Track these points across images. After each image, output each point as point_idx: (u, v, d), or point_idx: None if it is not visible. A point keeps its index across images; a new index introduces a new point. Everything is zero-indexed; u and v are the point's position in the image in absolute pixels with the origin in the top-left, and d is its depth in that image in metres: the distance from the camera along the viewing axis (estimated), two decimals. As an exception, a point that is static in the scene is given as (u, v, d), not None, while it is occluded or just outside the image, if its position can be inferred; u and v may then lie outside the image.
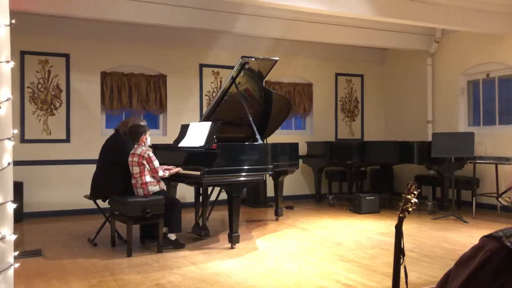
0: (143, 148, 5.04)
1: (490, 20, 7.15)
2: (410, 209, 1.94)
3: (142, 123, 5.45)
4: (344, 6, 6.16)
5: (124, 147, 5.29)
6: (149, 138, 5.18)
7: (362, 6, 6.22)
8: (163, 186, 5.38)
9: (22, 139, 7.01)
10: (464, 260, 1.23)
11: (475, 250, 1.22)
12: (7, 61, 3.02)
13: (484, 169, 7.47)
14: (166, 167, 5.25)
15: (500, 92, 7.78)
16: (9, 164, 3.01)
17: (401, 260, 2.00)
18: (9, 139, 3.02)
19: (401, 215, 1.95)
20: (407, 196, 1.94)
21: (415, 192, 1.94)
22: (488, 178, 7.44)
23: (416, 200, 1.95)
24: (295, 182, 8.81)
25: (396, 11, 6.52)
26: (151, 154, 5.02)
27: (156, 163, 5.01)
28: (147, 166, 4.96)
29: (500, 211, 7.05)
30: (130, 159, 5.03)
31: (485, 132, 7.79)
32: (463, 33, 7.95)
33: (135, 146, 5.09)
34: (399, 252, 1.98)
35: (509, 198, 1.52)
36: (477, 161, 7.21)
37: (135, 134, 5.10)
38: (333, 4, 6.07)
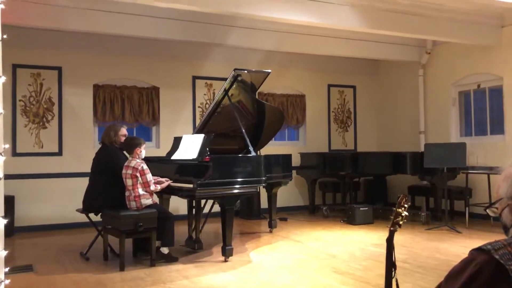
0: (138, 160, 5.02)
1: (480, 32, 7.25)
2: (401, 223, 1.94)
3: (123, 128, 5.44)
4: (335, 18, 6.22)
5: (114, 158, 5.27)
6: (144, 151, 5.16)
7: (353, 18, 6.28)
8: (155, 199, 5.35)
9: (14, 153, 6.96)
10: (454, 274, 1.23)
11: (465, 263, 1.22)
12: (-2, 76, 3.01)
13: (476, 179, 7.51)
14: (157, 179, 5.23)
15: (491, 102, 7.85)
16: (0, 178, 2.99)
17: (393, 273, 1.99)
18: (0, 154, 3.00)
19: (391, 228, 1.95)
20: (397, 209, 1.94)
21: (405, 205, 1.94)
22: (480, 188, 7.48)
23: (406, 213, 1.95)
24: (289, 194, 8.80)
25: (386, 24, 6.58)
26: (145, 167, 5.00)
27: (149, 176, 4.99)
28: (139, 178, 4.94)
29: (493, 221, 7.08)
30: (124, 171, 5.01)
31: (476, 142, 7.84)
32: (453, 44, 8.04)
33: (130, 158, 5.07)
34: (390, 265, 1.98)
35: (497, 208, 1.52)
36: (470, 171, 7.25)
37: (131, 146, 5.08)
38: (324, 17, 6.13)
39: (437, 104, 8.65)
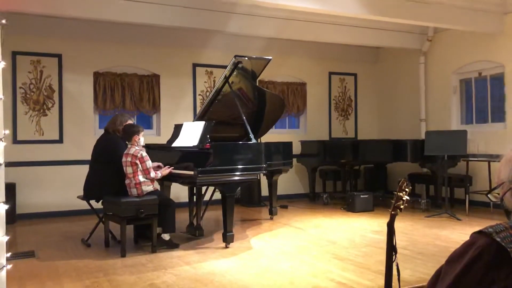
0: (137, 148, 5.02)
1: (482, 19, 7.19)
2: (402, 207, 1.95)
3: (130, 121, 5.45)
4: (337, 5, 6.17)
5: (115, 146, 5.28)
6: (142, 138, 5.17)
7: (355, 4, 6.23)
8: (156, 186, 5.36)
9: (15, 140, 6.96)
10: (455, 257, 1.24)
11: (466, 246, 1.23)
12: (-2, 61, 3.00)
13: (476, 166, 7.52)
14: (156, 164, 5.24)
15: (492, 90, 7.83)
16: (0, 165, 2.99)
17: (393, 257, 2.00)
18: (1, 139, 3.00)
19: (392, 212, 1.96)
20: (398, 193, 1.94)
21: (406, 190, 1.95)
22: (481, 175, 7.49)
23: (408, 198, 1.95)
24: (289, 181, 8.81)
25: (388, 10, 6.54)
26: (144, 154, 5.01)
27: (148, 163, 4.99)
28: (139, 166, 4.95)
29: (493, 208, 7.11)
30: (124, 159, 5.02)
31: (477, 130, 7.83)
32: (455, 31, 7.99)
33: (129, 146, 5.07)
34: (391, 249, 1.99)
35: (498, 194, 1.52)
36: (470, 158, 7.25)
37: (129, 133, 5.08)
38: (326, 3, 6.08)
39: (438, 92, 8.62)
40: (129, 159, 4.96)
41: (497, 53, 7.51)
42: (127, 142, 5.16)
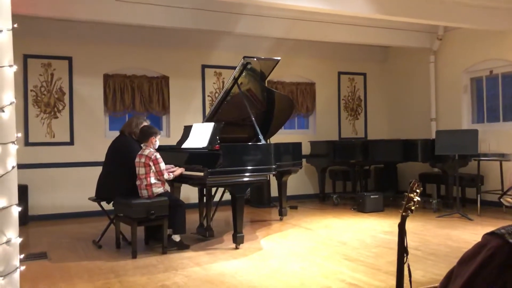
0: (151, 149, 5.04)
1: (492, 17, 7.12)
2: (413, 208, 1.94)
3: (146, 123, 5.48)
4: (346, 4, 6.15)
5: (130, 149, 5.31)
6: (158, 141, 5.20)
7: (364, 4, 6.21)
8: (167, 187, 5.39)
9: (26, 142, 7.03)
10: (467, 258, 1.23)
11: (478, 247, 1.22)
12: (10, 65, 3.03)
13: (488, 166, 7.45)
14: (169, 166, 5.26)
15: (504, 88, 7.75)
16: (13, 167, 3.02)
17: (405, 258, 1.99)
18: (13, 142, 3.03)
19: (404, 214, 1.95)
20: (409, 195, 1.93)
21: (417, 191, 1.94)
22: (492, 175, 7.42)
23: (418, 199, 1.94)
24: (299, 182, 8.80)
25: (397, 9, 6.50)
26: (158, 156, 5.03)
27: (162, 165, 5.01)
28: (153, 167, 4.97)
29: (506, 208, 7.03)
30: (137, 159, 5.05)
31: (489, 129, 7.76)
32: (465, 30, 7.93)
33: (143, 147, 5.10)
34: (402, 251, 1.98)
35: (511, 198, 1.50)
36: (481, 158, 7.18)
37: (146, 134, 5.10)
38: (334, 3, 6.06)
39: (448, 91, 8.56)
40: (142, 160, 4.99)
41: (508, 51, 7.43)
42: (142, 144, 5.18)
